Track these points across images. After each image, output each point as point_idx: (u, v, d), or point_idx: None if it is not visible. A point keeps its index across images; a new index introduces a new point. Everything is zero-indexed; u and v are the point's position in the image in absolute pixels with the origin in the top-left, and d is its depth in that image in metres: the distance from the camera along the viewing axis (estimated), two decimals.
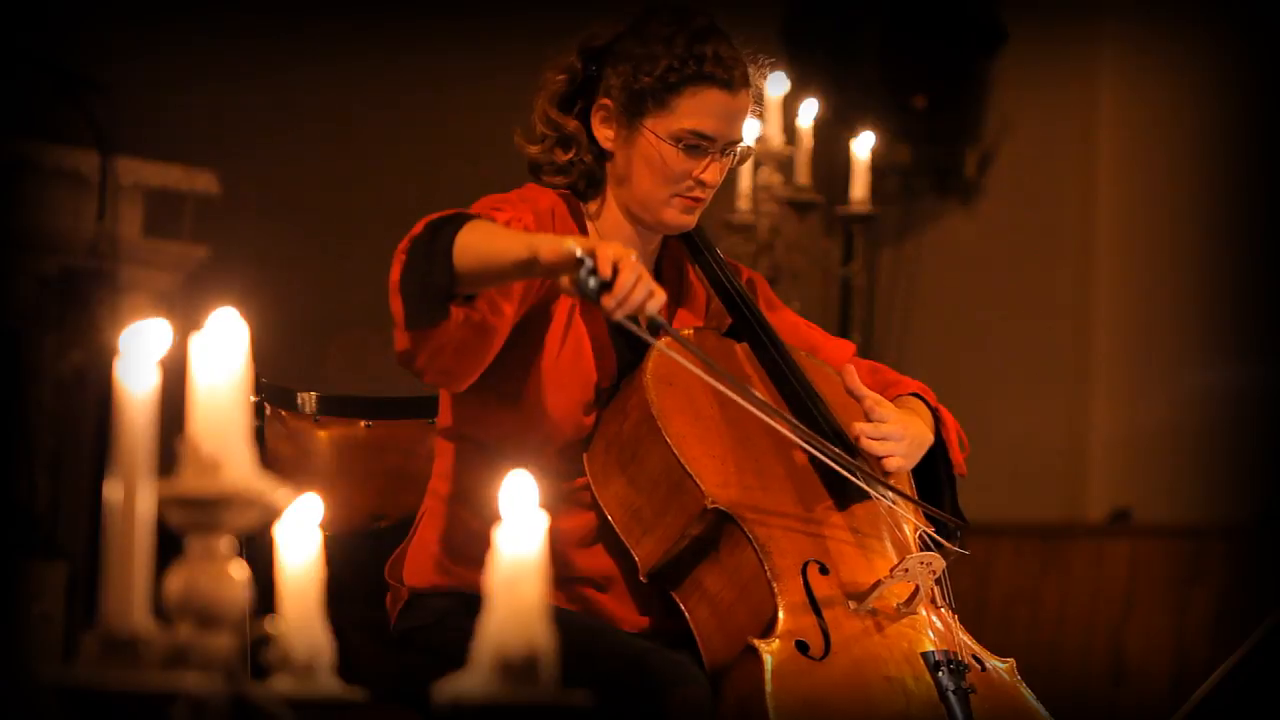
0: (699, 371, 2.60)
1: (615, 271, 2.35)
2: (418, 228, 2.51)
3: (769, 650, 2.53)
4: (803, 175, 5.18)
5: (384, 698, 2.70)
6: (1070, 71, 6.42)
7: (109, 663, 1.36)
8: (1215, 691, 2.75)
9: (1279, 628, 2.76)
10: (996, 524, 5.68)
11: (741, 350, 2.85)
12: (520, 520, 1.41)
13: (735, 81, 2.72)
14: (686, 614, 2.66)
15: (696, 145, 2.72)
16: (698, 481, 2.63)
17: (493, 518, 2.63)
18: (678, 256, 2.91)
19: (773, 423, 2.65)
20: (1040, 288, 6.48)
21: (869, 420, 2.74)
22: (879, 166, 5.46)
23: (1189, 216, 6.23)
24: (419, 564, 2.78)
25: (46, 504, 4.93)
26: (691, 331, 2.78)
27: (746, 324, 2.85)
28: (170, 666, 1.37)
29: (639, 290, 2.36)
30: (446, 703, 1.39)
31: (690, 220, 2.78)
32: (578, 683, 2.49)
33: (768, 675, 2.50)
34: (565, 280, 2.39)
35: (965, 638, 2.70)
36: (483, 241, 2.47)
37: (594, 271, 2.33)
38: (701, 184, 2.74)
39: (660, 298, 2.40)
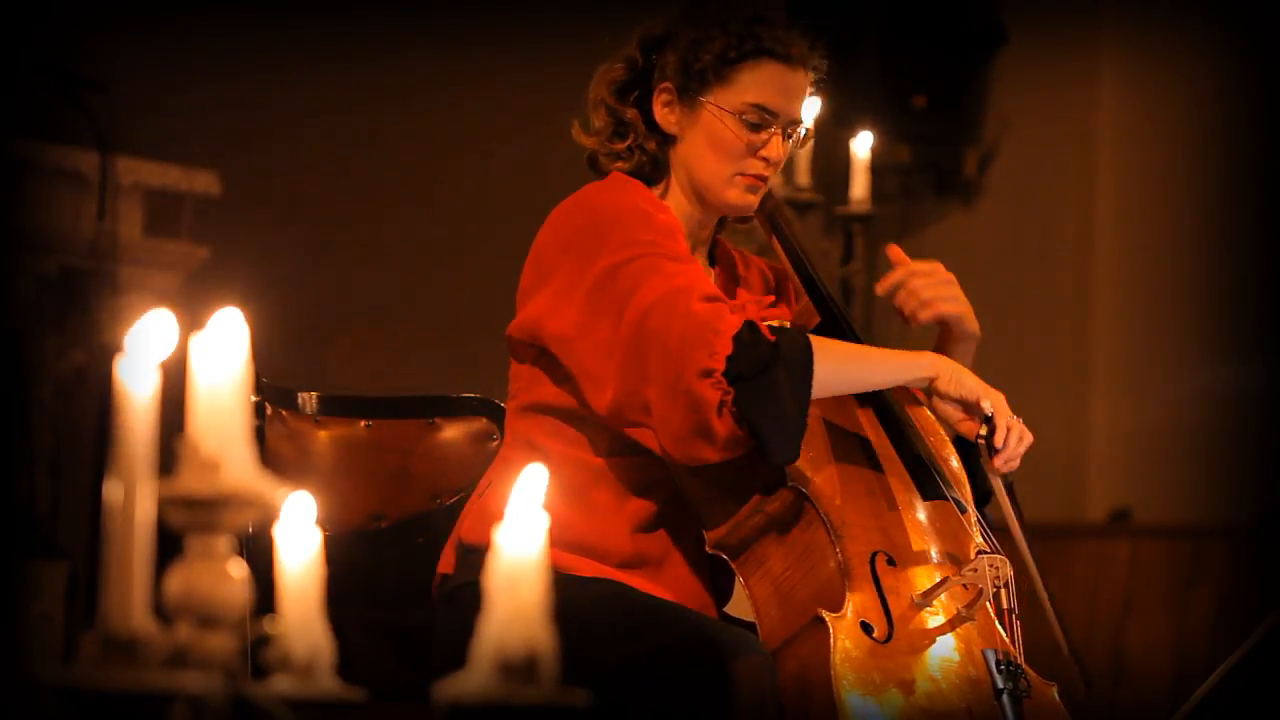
0: (1012, 522, 2.76)
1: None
2: (721, 342, 2.54)
3: (837, 623, 2.56)
4: (802, 175, 5.19)
5: (384, 697, 2.70)
6: (1070, 71, 6.42)
7: (109, 663, 1.36)
8: (1215, 691, 2.76)
9: (1279, 628, 2.76)
10: (996, 524, 5.68)
11: None
12: (520, 519, 1.41)
13: (794, 58, 2.77)
14: (746, 589, 2.70)
15: (758, 121, 2.75)
16: None
17: (570, 487, 2.67)
18: (728, 250, 2.96)
19: (1041, 590, 2.77)
20: (1040, 288, 6.49)
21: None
22: (879, 166, 5.47)
23: (1189, 216, 6.24)
24: (481, 521, 2.77)
25: (46, 504, 4.93)
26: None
27: (837, 326, 2.87)
28: (170, 666, 1.37)
29: (1020, 452, 2.71)
30: (446, 702, 1.39)
31: (753, 200, 2.81)
32: (642, 652, 2.55)
33: (833, 646, 2.53)
34: (956, 410, 2.70)
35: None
36: (851, 371, 2.69)
37: (993, 433, 2.70)
38: (765, 161, 2.77)
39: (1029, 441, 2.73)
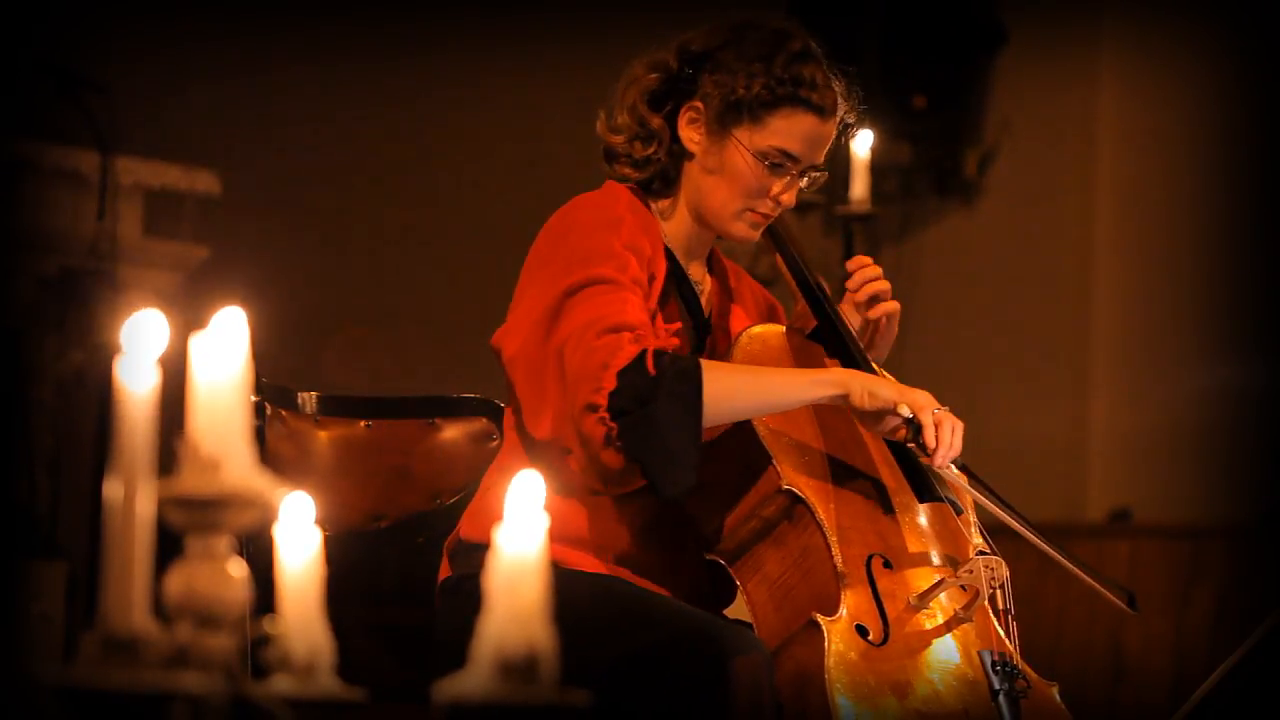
0: (985, 501, 2.75)
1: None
2: (608, 377, 2.55)
3: (831, 626, 2.57)
4: None
5: (384, 697, 2.70)
6: (1070, 71, 6.42)
7: (109, 663, 1.36)
8: (1215, 691, 2.76)
9: (1279, 628, 2.76)
10: (996, 524, 5.68)
11: (824, 354, 2.89)
12: (520, 519, 1.41)
13: (827, 109, 2.79)
14: (744, 593, 2.72)
15: (780, 164, 2.77)
16: (775, 463, 2.68)
17: (572, 484, 2.67)
18: (723, 263, 2.98)
19: (1046, 548, 2.75)
20: (1040, 287, 6.48)
21: None
22: (879, 166, 5.46)
23: (1189, 216, 6.24)
24: (481, 521, 2.80)
25: (46, 504, 4.93)
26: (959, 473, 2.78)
27: (833, 330, 2.88)
28: (170, 666, 1.37)
29: (956, 443, 2.65)
30: (446, 702, 1.39)
31: (755, 235, 2.84)
32: (642, 647, 2.56)
33: (828, 649, 2.55)
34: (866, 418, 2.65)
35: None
36: (751, 395, 2.65)
37: (921, 433, 2.63)
38: (775, 203, 2.79)
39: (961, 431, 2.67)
